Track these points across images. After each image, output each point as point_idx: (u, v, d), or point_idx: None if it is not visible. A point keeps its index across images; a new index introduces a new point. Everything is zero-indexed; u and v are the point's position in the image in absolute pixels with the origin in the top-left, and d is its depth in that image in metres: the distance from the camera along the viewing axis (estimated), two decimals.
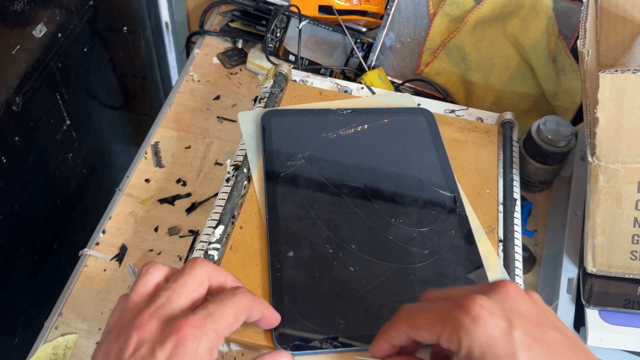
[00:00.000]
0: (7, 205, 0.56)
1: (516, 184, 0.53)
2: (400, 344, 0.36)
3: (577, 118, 0.67)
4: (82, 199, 0.73)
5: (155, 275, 0.36)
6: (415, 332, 0.33)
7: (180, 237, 0.59)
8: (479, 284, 0.34)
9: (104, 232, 0.59)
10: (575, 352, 0.31)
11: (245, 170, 0.51)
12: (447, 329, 0.31)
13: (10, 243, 0.58)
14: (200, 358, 0.32)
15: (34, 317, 0.55)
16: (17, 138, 0.56)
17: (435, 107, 0.58)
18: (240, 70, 0.77)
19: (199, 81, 0.75)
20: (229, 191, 0.49)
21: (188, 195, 0.63)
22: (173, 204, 0.62)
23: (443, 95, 0.68)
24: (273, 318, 0.38)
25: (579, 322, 0.48)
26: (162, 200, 0.62)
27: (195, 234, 0.59)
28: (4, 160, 0.55)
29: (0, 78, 0.52)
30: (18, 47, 0.54)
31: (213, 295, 0.37)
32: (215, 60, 0.78)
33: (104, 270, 0.56)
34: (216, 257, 0.45)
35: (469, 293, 0.32)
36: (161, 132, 0.68)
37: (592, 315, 0.47)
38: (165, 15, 0.88)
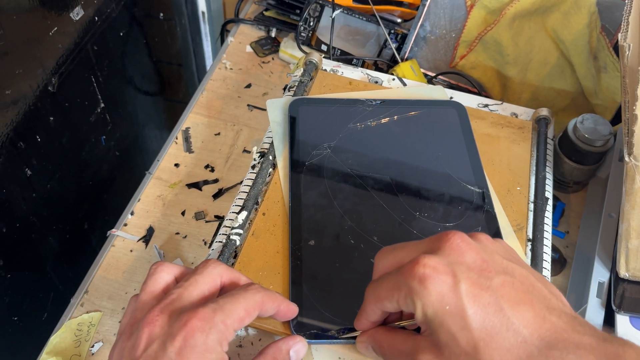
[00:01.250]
0: (40, 184, 0.58)
1: (549, 183, 0.51)
2: (379, 319, 0.36)
3: (617, 118, 0.64)
4: (114, 181, 0.74)
5: (164, 274, 0.36)
6: (381, 305, 0.34)
7: (206, 221, 0.60)
8: (427, 238, 0.34)
9: (132, 213, 0.60)
10: (522, 291, 0.31)
11: (270, 157, 0.51)
12: (402, 296, 0.32)
13: (42, 221, 0.59)
14: (210, 350, 0.32)
15: (63, 294, 0.56)
16: (52, 118, 0.57)
17: (468, 100, 0.57)
18: (273, 59, 0.77)
19: (231, 69, 0.75)
20: (254, 178, 0.49)
21: (215, 181, 0.63)
22: (200, 189, 0.62)
23: (478, 89, 0.67)
24: (289, 311, 0.38)
25: (609, 327, 0.47)
26: (190, 185, 0.63)
27: (220, 219, 0.60)
28: (39, 139, 0.56)
29: (37, 59, 0.54)
30: (55, 29, 0.55)
31: None
32: (249, 49, 0.78)
33: (131, 251, 0.57)
34: (238, 243, 0.45)
35: (418, 252, 0.33)
36: (192, 118, 0.69)
37: (622, 321, 0.45)
38: (201, 3, 0.89)
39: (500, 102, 0.58)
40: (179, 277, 0.37)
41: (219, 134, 0.68)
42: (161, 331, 0.32)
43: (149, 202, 0.61)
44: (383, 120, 0.53)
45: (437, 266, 0.31)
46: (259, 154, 0.52)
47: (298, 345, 0.37)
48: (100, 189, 0.71)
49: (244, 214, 0.47)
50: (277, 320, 0.39)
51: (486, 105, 0.57)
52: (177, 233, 0.58)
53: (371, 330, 0.37)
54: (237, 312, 0.34)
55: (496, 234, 0.46)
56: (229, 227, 0.46)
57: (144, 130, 0.82)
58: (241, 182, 0.62)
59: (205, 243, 0.58)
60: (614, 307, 0.46)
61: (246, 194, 0.48)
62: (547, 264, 0.46)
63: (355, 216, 0.46)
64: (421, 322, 0.32)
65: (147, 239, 0.58)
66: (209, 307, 0.33)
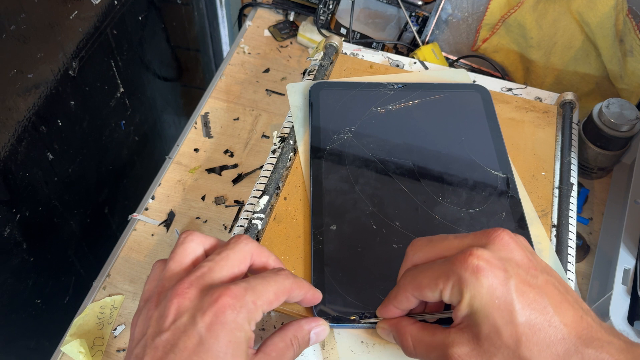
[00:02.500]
0: (61, 168, 0.58)
1: (574, 168, 0.50)
2: (408, 307, 0.36)
3: None
4: (133, 166, 0.74)
5: (194, 244, 0.36)
6: (419, 293, 0.34)
7: (226, 206, 0.60)
8: (472, 233, 0.35)
9: (153, 198, 0.60)
10: (561, 292, 0.32)
11: (291, 142, 0.50)
12: (449, 284, 0.32)
13: (64, 205, 0.60)
14: (240, 328, 0.32)
15: (84, 278, 0.57)
16: (72, 102, 0.58)
17: (491, 84, 0.56)
18: (291, 43, 0.76)
19: (249, 53, 0.75)
20: (274, 162, 0.49)
21: (235, 166, 0.63)
22: (220, 174, 0.62)
23: (501, 73, 0.65)
24: (314, 298, 0.38)
25: (634, 315, 0.46)
26: (210, 170, 0.63)
27: (240, 204, 0.60)
28: (60, 124, 0.56)
29: (58, 43, 0.54)
30: (76, 12, 0.55)
31: (254, 274, 0.36)
32: (267, 33, 0.77)
33: (152, 235, 0.57)
34: (260, 227, 0.45)
35: (464, 245, 0.33)
36: (211, 103, 0.69)
37: None
38: None
39: (524, 86, 0.57)
40: (209, 250, 0.36)
41: (237, 119, 0.67)
42: (191, 304, 0.32)
43: (169, 187, 0.61)
44: (405, 104, 0.52)
45: (490, 260, 0.31)
46: (279, 139, 0.52)
47: (320, 328, 0.37)
48: (120, 174, 0.72)
49: (266, 198, 0.46)
50: (301, 305, 0.39)
51: (510, 89, 0.56)
52: (198, 217, 0.59)
53: (395, 320, 0.37)
54: (268, 294, 0.33)
55: (521, 219, 0.45)
56: (251, 211, 0.46)
57: (162, 115, 0.82)
58: (261, 167, 0.62)
59: (225, 228, 0.58)
60: None
61: (267, 178, 0.48)
62: (572, 250, 0.45)
63: (377, 201, 0.46)
64: (462, 315, 0.32)
65: (168, 223, 0.58)
66: (240, 285, 0.32)
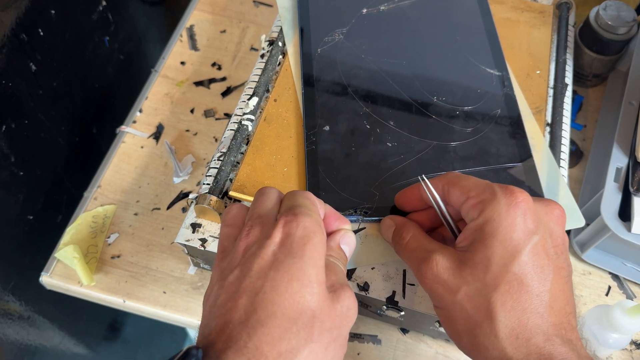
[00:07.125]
0: (46, 81, 0.56)
1: (568, 68, 0.49)
2: (427, 198, 0.35)
3: None
4: (119, 86, 0.72)
5: (273, 195, 0.34)
6: (448, 188, 0.34)
7: (216, 119, 0.59)
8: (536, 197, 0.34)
9: (140, 111, 0.59)
10: (567, 285, 0.31)
11: (280, 44, 0.49)
12: (479, 197, 0.32)
13: (50, 120, 0.58)
14: (313, 230, 0.30)
15: (75, 198, 0.56)
16: (53, 11, 0.55)
17: None
18: None
19: None
20: (263, 66, 0.48)
21: (223, 79, 0.62)
22: (208, 87, 0.61)
23: None
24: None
25: (624, 214, 0.46)
26: (198, 83, 0.61)
27: (230, 117, 0.59)
28: (41, 33, 0.54)
29: None
30: None
31: None
32: None
33: (142, 147, 0.56)
34: (250, 128, 0.44)
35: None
36: (196, 16, 0.67)
37: (639, 203, 0.45)
38: None
39: None
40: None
41: (224, 31, 0.65)
42: (255, 238, 0.31)
43: (156, 100, 0.60)
44: (398, 4, 0.51)
45: (533, 210, 0.31)
46: (267, 42, 0.50)
47: (345, 237, 0.34)
48: (106, 94, 0.70)
49: (255, 99, 0.45)
50: None
51: None
52: (187, 130, 0.58)
53: (404, 218, 0.37)
54: (308, 199, 0.33)
55: (515, 115, 0.44)
56: (240, 114, 0.45)
57: (147, 35, 0.79)
58: None
59: (215, 140, 0.57)
60: (631, 190, 0.45)
61: (256, 82, 0.47)
62: (565, 148, 0.45)
63: (371, 102, 0.45)
64: (467, 235, 0.31)
65: (157, 135, 0.57)
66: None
